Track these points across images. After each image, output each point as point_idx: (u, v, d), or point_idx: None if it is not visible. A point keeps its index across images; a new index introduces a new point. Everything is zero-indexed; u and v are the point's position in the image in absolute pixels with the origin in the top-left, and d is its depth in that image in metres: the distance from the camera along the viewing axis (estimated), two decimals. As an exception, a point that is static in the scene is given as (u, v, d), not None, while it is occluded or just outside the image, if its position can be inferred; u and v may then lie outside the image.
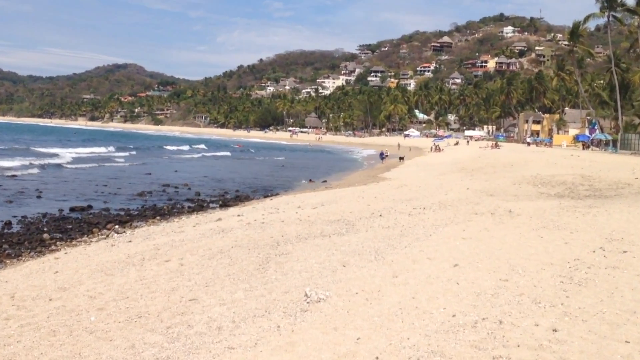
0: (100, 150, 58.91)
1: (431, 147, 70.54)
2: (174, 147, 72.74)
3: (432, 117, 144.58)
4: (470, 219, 13.51)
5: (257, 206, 20.06)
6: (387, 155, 51.95)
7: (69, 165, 39.28)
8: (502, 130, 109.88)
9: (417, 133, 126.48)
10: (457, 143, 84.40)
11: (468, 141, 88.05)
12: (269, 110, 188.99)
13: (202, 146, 78.89)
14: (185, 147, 74.06)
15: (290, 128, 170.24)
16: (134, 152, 59.10)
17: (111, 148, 62.05)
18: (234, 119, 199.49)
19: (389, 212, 15.25)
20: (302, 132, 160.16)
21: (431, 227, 12.60)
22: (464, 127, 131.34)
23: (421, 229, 12.40)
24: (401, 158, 51.40)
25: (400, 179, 29.73)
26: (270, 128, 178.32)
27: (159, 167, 42.67)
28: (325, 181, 33.46)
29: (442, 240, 11.04)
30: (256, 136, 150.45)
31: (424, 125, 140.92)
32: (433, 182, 25.40)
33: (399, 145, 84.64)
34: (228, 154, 66.16)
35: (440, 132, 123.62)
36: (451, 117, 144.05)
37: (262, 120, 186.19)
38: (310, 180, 34.19)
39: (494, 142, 74.09)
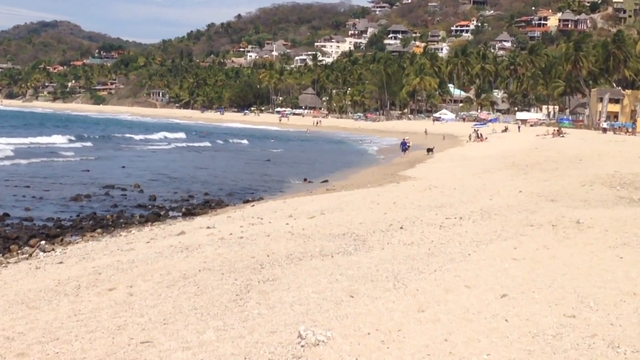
0: (47, 140, 59.72)
1: (470, 135, 70.84)
2: (141, 136, 73.52)
3: (471, 94, 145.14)
4: (523, 232, 13.54)
5: (234, 215, 20.10)
6: (409, 146, 52.10)
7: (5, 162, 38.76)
8: (567, 112, 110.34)
9: (451, 116, 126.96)
10: (505, 129, 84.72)
11: (519, 127, 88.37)
12: (249, 85, 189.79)
13: (181, 135, 79.36)
14: (156, 136, 74.96)
15: (279, 109, 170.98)
16: (88, 144, 59.94)
17: (59, 137, 63.05)
18: (203, 96, 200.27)
19: (412, 223, 15.28)
20: (294, 114, 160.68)
21: (470, 243, 12.62)
22: (515, 108, 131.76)
23: (457, 246, 12.43)
24: (430, 150, 51.55)
25: (428, 178, 29.77)
26: (252, 109, 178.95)
27: (119, 162, 42.99)
28: (326, 181, 33.58)
29: (485, 261, 11.05)
30: (233, 119, 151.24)
31: (461, 105, 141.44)
32: (473, 182, 25.42)
33: (426, 132, 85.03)
34: (208, 144, 66.69)
35: (483, 115, 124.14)
36: (498, 95, 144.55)
37: (241, 99, 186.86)
38: (305, 179, 34.30)
39: (556, 129, 74.45)
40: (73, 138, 64.01)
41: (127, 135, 74.95)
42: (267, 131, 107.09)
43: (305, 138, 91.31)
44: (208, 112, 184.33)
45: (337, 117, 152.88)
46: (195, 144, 66.23)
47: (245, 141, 73.30)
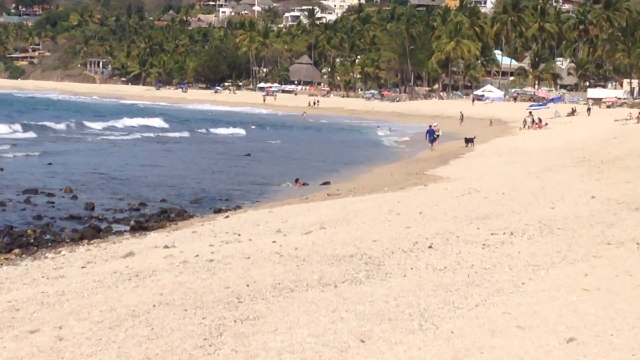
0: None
1: (525, 120, 70.75)
2: (104, 124, 73.47)
3: (526, 63, 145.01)
4: (597, 253, 13.52)
5: (201, 230, 20.06)
6: (438, 135, 52.10)
7: None
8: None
9: (498, 94, 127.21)
10: (572, 112, 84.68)
11: (590, 108, 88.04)
12: (222, 52, 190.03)
13: (158, 122, 79.01)
14: (120, 124, 74.99)
15: (262, 85, 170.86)
16: (33, 135, 60.15)
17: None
18: (158, 67, 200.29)
19: (446, 240, 15.26)
20: (284, 91, 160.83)
21: (524, 268, 12.61)
22: (586, 83, 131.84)
23: (506, 272, 12.42)
24: (469, 140, 51.52)
25: (467, 179, 29.73)
26: (226, 84, 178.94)
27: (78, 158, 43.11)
28: (327, 183, 33.59)
29: (544, 293, 11.04)
30: (200, 99, 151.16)
31: (512, 79, 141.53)
32: (528, 184, 25.39)
33: (462, 117, 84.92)
34: (187, 135, 66.94)
35: (542, 93, 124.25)
36: (562, 65, 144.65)
37: (211, 71, 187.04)
38: (299, 181, 34.22)
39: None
40: (17, 127, 63.59)
41: (82, 122, 74.00)
42: (246, 115, 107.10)
43: (299, 124, 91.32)
44: (166, 89, 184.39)
45: (343, 96, 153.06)
46: (170, 134, 66.13)
47: (228, 131, 72.91)
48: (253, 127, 79.79)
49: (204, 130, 72.06)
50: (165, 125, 77.07)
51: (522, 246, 14.36)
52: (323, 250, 14.83)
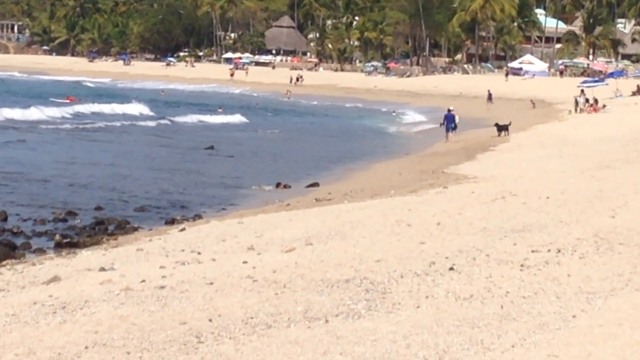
0: None
1: (576, 101, 70.67)
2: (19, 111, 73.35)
3: (577, 27, 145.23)
4: (672, 276, 13.51)
5: (149, 247, 20.01)
6: (456, 124, 52.17)
7: None
8: None
9: (540, 66, 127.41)
10: (639, 90, 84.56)
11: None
12: (176, 12, 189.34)
13: (140, 109, 78.98)
14: (40, 109, 74.86)
15: (229, 55, 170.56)
16: None
17: None
18: (92, 32, 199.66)
19: (472, 260, 15.25)
20: (259, 64, 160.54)
21: (576, 297, 12.61)
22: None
23: (551, 301, 12.42)
24: (502, 128, 51.58)
25: (499, 179, 29.76)
26: (182, 55, 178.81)
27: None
28: (314, 185, 33.83)
29: (602, 328, 11.03)
30: (147, 74, 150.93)
31: (559, 47, 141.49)
32: (581, 186, 25.41)
33: (489, 96, 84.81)
34: (129, 122, 66.44)
35: (599, 65, 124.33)
36: (625, 27, 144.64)
37: (161, 37, 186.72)
38: (280, 184, 34.21)
39: None
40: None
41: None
42: (209, 95, 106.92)
43: (280, 107, 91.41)
44: (102, 60, 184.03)
45: (335, 70, 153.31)
46: (107, 123, 65.82)
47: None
48: (220, 110, 79.83)
49: (152, 116, 71.96)
50: (99, 109, 76.71)
51: (573, 267, 14.36)
52: (310, 274, 14.81)
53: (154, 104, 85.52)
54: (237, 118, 73.97)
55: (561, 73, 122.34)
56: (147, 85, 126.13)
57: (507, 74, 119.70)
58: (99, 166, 39.76)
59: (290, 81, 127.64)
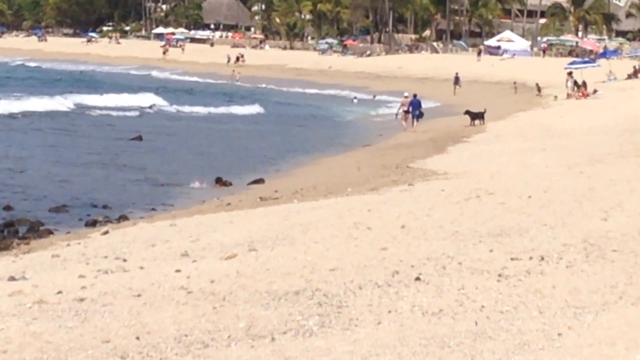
0: None
1: (567, 84, 70.88)
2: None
3: (566, 1, 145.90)
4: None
5: (67, 252, 19.92)
6: (421, 112, 52.48)
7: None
8: None
9: (521, 44, 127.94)
10: (635, 72, 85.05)
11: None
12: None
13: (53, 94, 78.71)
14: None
15: (160, 30, 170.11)
16: None
17: None
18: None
19: (441, 269, 15.27)
20: (195, 40, 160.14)
21: (562, 312, 12.66)
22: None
23: (534, 317, 12.48)
24: (476, 116, 51.80)
25: (473, 175, 29.86)
26: (105, 29, 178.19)
27: None
28: (259, 181, 34.04)
29: (593, 349, 11.08)
30: (65, 51, 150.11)
31: (543, 22, 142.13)
32: (567, 183, 25.55)
33: (456, 79, 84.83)
34: (43, 109, 66.13)
35: (588, 44, 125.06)
36: (619, 1, 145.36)
37: (81, 8, 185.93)
38: (219, 180, 34.23)
39: None
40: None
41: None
42: (139, 77, 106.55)
43: (222, 91, 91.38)
44: (12, 35, 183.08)
45: (284, 48, 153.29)
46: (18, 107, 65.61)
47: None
48: (150, 92, 79.80)
49: (70, 101, 71.49)
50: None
51: (559, 278, 14.38)
52: (254, 285, 14.80)
53: (73, 85, 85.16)
54: (163, 103, 73.77)
55: (544, 52, 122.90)
56: (63, 65, 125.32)
57: (479, 53, 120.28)
58: (7, 159, 39.51)
59: (229, 61, 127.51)
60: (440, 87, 79.14)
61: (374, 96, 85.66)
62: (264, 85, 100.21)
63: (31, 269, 17.90)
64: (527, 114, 57.07)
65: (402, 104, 53.27)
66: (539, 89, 78.90)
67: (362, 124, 60.83)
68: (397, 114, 54.01)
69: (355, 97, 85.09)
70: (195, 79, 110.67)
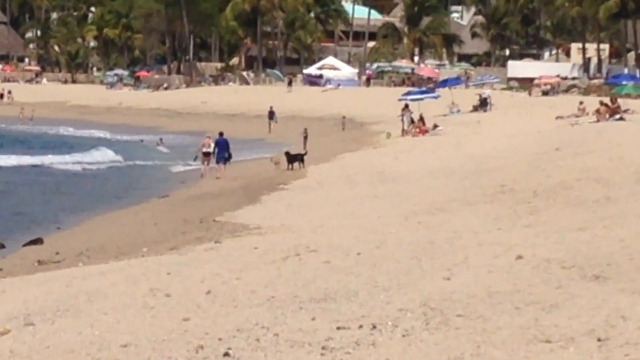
0: None
1: (402, 119, 71.82)
2: None
3: (396, 17, 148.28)
4: (529, 358, 13.68)
5: None
6: (230, 153, 53.05)
7: None
8: (628, 59, 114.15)
9: (347, 72, 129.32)
10: (482, 103, 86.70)
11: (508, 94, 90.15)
12: None
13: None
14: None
15: None
16: None
17: None
18: None
19: (254, 341, 15.21)
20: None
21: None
22: (504, 52, 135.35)
23: None
24: (294, 158, 52.41)
25: (292, 229, 30.25)
26: None
27: None
28: (37, 241, 34.10)
29: None
30: None
31: (372, 44, 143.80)
32: (404, 236, 25.87)
33: (271, 114, 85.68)
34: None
35: (426, 70, 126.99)
36: (462, 19, 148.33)
37: None
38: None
39: (606, 101, 76.02)
40: None
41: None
42: None
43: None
44: None
45: (65, 81, 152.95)
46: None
47: None
48: None
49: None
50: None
51: (394, 349, 14.39)
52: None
53: None
54: None
55: (368, 80, 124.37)
56: None
57: (290, 83, 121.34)
58: None
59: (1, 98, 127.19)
60: (253, 123, 79.70)
61: (141, 140, 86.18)
62: (38, 130, 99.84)
63: None
64: (355, 155, 57.72)
65: (203, 145, 53.58)
66: (343, 125, 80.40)
67: (159, 171, 60.80)
68: (195, 157, 54.25)
69: (141, 140, 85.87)
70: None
